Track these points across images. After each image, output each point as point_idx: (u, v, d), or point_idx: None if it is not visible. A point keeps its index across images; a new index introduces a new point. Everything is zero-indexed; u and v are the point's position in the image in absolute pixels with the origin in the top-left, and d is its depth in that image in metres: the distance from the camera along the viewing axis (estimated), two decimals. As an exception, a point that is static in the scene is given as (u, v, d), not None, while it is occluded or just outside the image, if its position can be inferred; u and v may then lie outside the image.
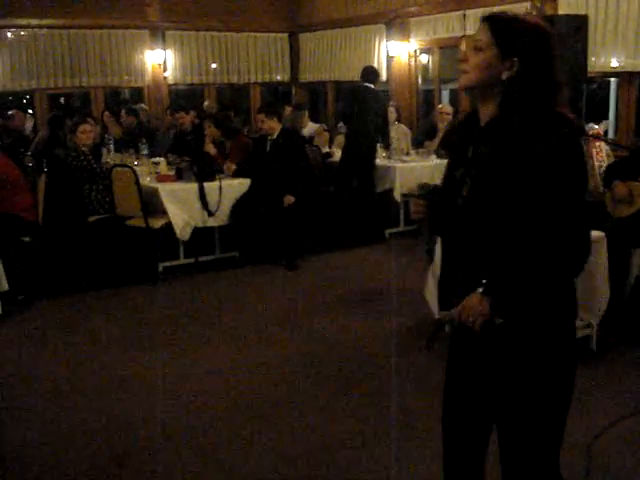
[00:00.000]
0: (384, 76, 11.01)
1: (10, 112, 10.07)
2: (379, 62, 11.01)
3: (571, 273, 2.20)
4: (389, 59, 11.00)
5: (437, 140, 8.84)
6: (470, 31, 9.71)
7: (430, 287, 4.99)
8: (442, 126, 8.81)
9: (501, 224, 2.13)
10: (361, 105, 8.53)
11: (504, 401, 2.27)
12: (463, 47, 9.94)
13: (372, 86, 8.69)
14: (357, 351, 5.02)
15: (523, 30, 2.12)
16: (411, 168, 8.17)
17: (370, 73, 8.82)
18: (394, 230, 8.37)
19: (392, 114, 9.53)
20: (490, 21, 2.15)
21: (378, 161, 8.57)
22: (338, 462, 3.54)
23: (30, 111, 11.55)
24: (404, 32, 10.78)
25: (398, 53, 10.91)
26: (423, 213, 2.34)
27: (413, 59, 10.98)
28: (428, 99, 11.78)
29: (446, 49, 10.62)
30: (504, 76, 2.13)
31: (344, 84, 11.34)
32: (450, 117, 8.84)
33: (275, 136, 7.41)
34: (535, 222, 2.08)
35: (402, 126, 9.74)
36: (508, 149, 2.10)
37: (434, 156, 8.49)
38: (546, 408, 2.23)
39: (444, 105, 9.44)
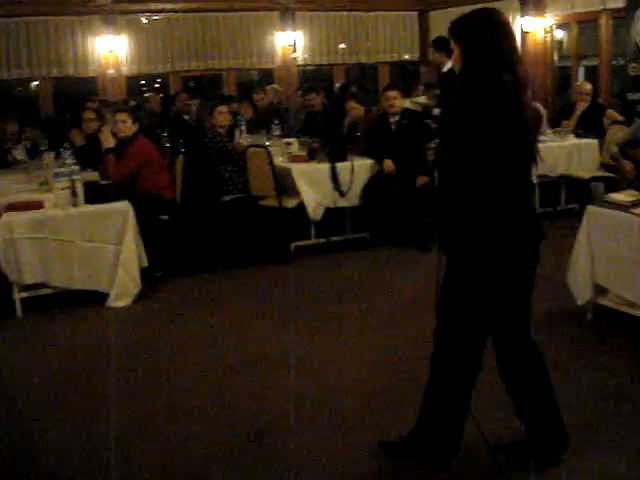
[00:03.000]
0: (517, 53, 10.66)
1: (146, 95, 10.39)
2: (512, 39, 10.67)
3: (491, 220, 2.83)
4: (523, 35, 10.63)
5: (574, 119, 8.48)
6: (611, 4, 9.26)
7: (574, 271, 4.79)
8: (582, 105, 8.44)
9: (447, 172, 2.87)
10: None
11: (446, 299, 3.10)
12: (602, 22, 9.51)
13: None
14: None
15: (462, 26, 2.90)
16: (548, 148, 7.84)
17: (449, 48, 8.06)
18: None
19: (526, 92, 9.19)
20: (449, 29, 2.96)
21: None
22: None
23: (161, 95, 11.88)
24: (539, 7, 10.40)
25: (533, 29, 10.54)
26: None
27: (549, 35, 10.59)
28: (564, 76, 11.34)
29: (584, 24, 10.18)
30: (469, 60, 2.85)
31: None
32: (590, 96, 8.45)
33: (398, 117, 7.30)
34: (458, 172, 2.79)
35: (536, 105, 9.39)
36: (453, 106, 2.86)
37: (572, 136, 8.15)
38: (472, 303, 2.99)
39: (583, 82, 8.95)
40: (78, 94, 11.88)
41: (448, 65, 7.49)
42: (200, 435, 3.72)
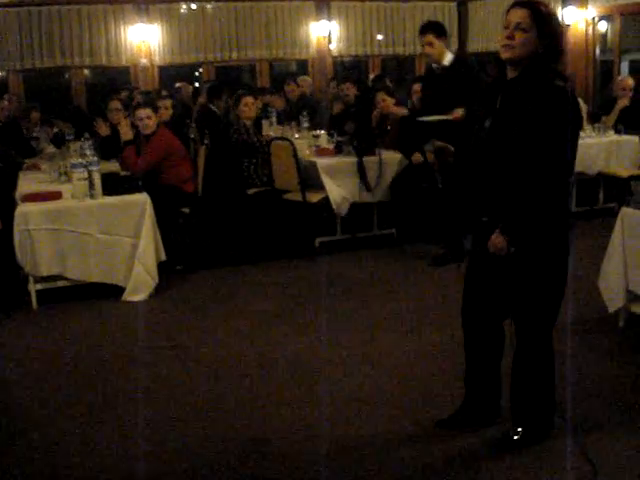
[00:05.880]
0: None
1: (178, 85, 10.28)
2: (553, 31, 10.37)
3: (559, 199, 3.00)
4: (564, 27, 10.32)
5: (614, 115, 8.17)
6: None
7: (606, 276, 4.53)
8: (623, 101, 8.12)
9: (510, 159, 2.93)
10: None
11: (518, 294, 3.14)
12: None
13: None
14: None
15: (552, 18, 2.96)
16: (587, 145, 7.53)
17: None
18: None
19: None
20: (532, 9, 2.91)
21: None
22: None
23: (194, 85, 11.78)
24: (582, -2, 10.08)
25: (574, 20, 10.24)
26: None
27: (591, 27, 10.24)
28: (606, 70, 10.98)
29: (629, 16, 9.82)
30: (539, 50, 2.91)
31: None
32: (631, 92, 8.12)
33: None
34: (530, 154, 2.87)
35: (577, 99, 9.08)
36: (522, 97, 2.93)
37: (612, 132, 7.85)
38: (545, 296, 3.16)
39: (626, 78, 8.58)
40: (112, 84, 11.87)
41: (449, 57, 6.00)
42: (200, 441, 3.54)
